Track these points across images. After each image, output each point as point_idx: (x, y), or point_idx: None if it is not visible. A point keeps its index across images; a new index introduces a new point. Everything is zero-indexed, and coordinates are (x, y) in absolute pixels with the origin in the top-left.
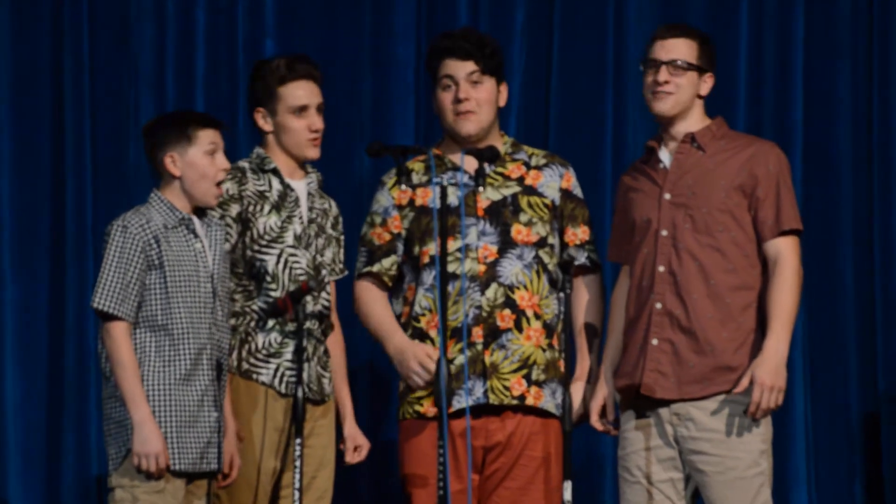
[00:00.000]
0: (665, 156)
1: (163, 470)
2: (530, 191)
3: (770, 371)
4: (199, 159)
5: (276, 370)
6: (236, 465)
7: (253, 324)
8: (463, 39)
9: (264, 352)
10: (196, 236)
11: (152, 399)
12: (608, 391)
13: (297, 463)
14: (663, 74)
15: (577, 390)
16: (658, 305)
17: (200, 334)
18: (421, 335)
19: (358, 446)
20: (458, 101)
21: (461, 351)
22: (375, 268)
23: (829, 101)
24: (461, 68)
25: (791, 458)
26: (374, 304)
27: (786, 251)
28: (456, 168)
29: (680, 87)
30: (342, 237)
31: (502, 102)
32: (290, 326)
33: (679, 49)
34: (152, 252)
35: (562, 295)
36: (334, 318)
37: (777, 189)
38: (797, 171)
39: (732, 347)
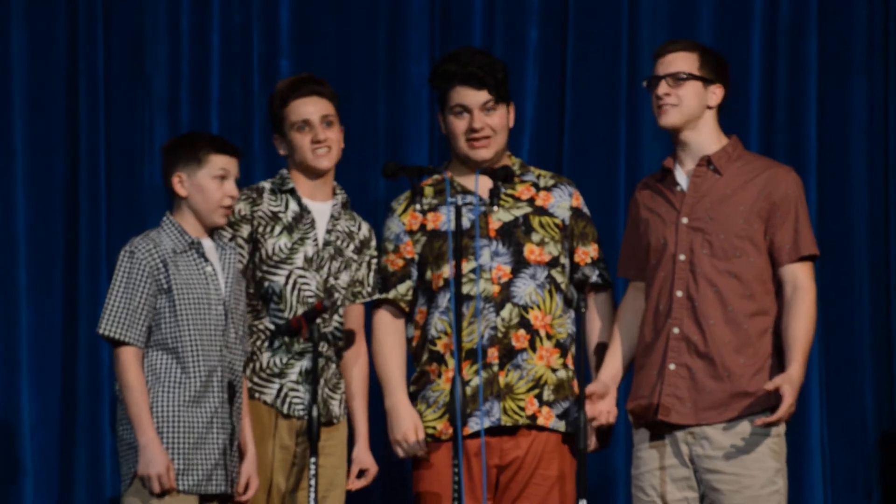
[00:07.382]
0: (682, 177)
1: (168, 490)
2: (541, 211)
3: (796, 394)
4: (207, 183)
5: (280, 391)
6: (253, 486)
7: (259, 342)
8: (474, 66)
9: (268, 371)
10: (206, 260)
11: (161, 420)
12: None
13: (313, 482)
14: (663, 88)
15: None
16: (675, 330)
17: (211, 357)
18: (438, 358)
19: (364, 470)
20: (472, 129)
21: (476, 372)
22: (391, 294)
23: (844, 120)
24: (475, 98)
25: (807, 477)
26: (386, 344)
27: (804, 278)
28: (466, 192)
29: (683, 98)
30: (373, 259)
31: (512, 123)
32: (297, 347)
33: (677, 62)
34: (160, 276)
35: (575, 314)
36: (361, 341)
37: (795, 214)
38: (811, 189)
39: (750, 373)
